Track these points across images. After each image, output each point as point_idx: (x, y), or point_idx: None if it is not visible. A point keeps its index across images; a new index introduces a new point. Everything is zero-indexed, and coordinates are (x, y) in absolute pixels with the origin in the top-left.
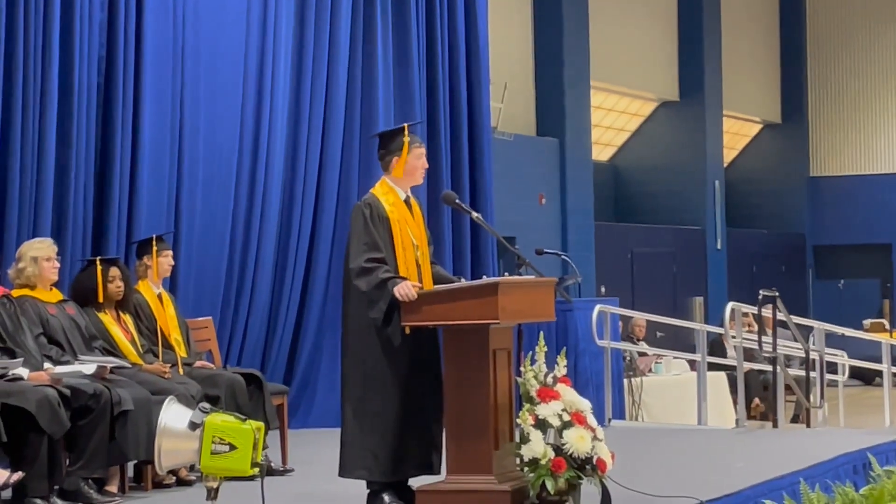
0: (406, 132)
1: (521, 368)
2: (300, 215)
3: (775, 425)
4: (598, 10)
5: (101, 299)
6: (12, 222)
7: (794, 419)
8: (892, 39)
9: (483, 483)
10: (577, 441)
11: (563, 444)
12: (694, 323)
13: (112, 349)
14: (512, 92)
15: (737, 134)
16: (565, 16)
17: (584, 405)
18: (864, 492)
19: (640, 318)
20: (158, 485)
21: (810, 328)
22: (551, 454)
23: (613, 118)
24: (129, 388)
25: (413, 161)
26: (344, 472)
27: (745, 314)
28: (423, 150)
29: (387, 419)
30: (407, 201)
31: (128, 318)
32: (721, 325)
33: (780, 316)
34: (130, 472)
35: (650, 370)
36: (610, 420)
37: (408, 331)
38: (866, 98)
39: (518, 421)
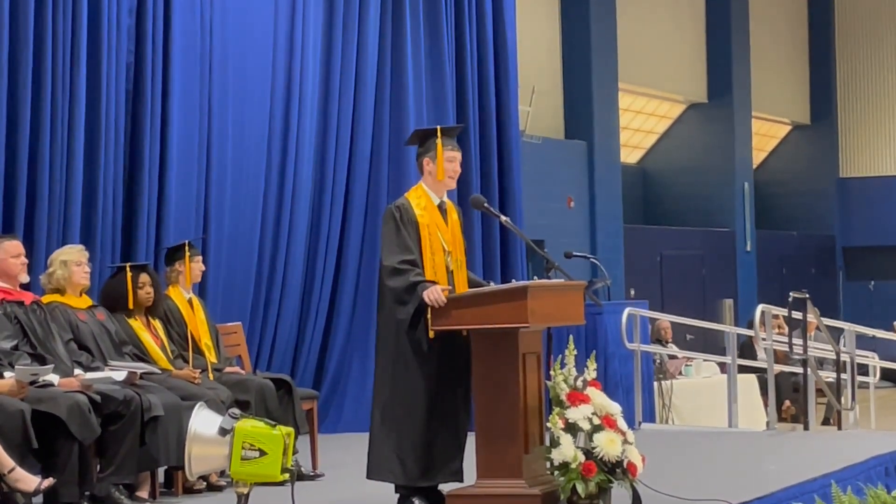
0: (439, 134)
1: (551, 372)
2: (329, 220)
3: (806, 427)
4: (625, 12)
5: (131, 305)
6: (42, 229)
7: (825, 421)
8: None
9: (513, 487)
10: (608, 444)
11: (594, 448)
12: (724, 325)
13: (142, 355)
14: (540, 95)
15: (766, 135)
16: (593, 18)
17: (614, 408)
18: None
19: (669, 320)
20: (189, 490)
21: (841, 330)
22: (581, 458)
23: (642, 120)
24: (160, 393)
25: (444, 164)
26: (370, 473)
27: (776, 316)
28: (456, 155)
29: (414, 423)
30: (441, 206)
31: (158, 324)
32: (751, 327)
33: (811, 318)
34: (161, 478)
35: (680, 373)
36: (640, 423)
37: (432, 334)
38: None
39: (548, 425)
